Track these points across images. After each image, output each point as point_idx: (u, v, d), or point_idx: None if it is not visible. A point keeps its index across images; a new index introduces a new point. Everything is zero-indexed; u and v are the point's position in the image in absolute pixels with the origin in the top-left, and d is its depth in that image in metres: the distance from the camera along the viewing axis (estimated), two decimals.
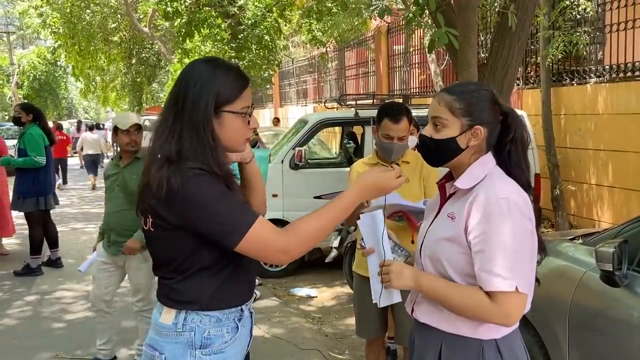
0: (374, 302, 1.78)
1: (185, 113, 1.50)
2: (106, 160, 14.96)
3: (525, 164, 1.64)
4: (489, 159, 1.63)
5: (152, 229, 1.53)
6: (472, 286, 1.54)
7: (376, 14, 3.54)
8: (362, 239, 1.77)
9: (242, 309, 1.61)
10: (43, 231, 6.08)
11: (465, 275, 1.56)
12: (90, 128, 16.32)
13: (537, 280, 1.66)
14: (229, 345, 1.57)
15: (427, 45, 3.38)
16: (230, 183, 1.53)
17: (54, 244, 6.28)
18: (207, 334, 1.53)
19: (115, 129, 3.45)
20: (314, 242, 1.51)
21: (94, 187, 13.40)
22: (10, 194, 6.25)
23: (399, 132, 2.78)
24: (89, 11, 17.49)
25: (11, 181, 6.10)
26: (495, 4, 4.59)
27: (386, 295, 1.72)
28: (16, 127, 6.11)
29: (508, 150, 1.62)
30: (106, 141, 16.85)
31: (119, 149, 3.69)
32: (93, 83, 24.59)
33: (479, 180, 1.58)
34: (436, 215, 1.70)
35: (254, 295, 1.73)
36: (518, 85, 7.95)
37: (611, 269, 2.23)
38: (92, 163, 13.81)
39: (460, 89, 1.65)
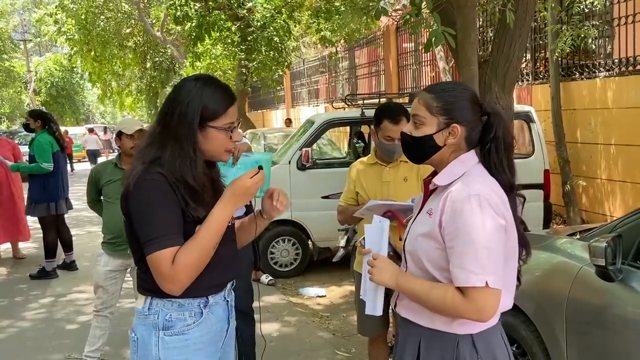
0: (360, 296, 1.82)
1: (173, 127, 1.65)
2: (102, 158, 18.90)
3: (507, 164, 1.61)
4: (469, 157, 1.64)
5: (124, 220, 1.70)
6: (447, 284, 1.55)
7: (373, 16, 3.57)
8: (364, 238, 1.81)
9: (207, 298, 1.72)
10: (57, 235, 6.21)
11: (443, 270, 1.57)
12: (90, 130, 22.71)
13: (518, 280, 1.67)
14: (192, 328, 1.70)
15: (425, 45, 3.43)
16: (199, 195, 1.64)
17: (68, 247, 6.40)
18: (169, 317, 1.68)
19: (119, 134, 3.54)
20: (200, 268, 1.61)
21: None
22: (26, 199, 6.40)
23: (399, 133, 2.81)
24: (103, 17, 17.75)
25: (26, 186, 6.24)
26: (495, 1, 4.57)
27: (371, 301, 1.75)
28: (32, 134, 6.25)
29: (488, 149, 1.62)
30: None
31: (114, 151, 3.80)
32: (109, 88, 25.03)
33: (457, 177, 1.59)
34: (419, 212, 1.73)
35: (231, 285, 1.82)
36: (527, 81, 7.91)
37: (604, 264, 2.24)
38: (92, 155, 20.10)
39: (439, 87, 1.68)
